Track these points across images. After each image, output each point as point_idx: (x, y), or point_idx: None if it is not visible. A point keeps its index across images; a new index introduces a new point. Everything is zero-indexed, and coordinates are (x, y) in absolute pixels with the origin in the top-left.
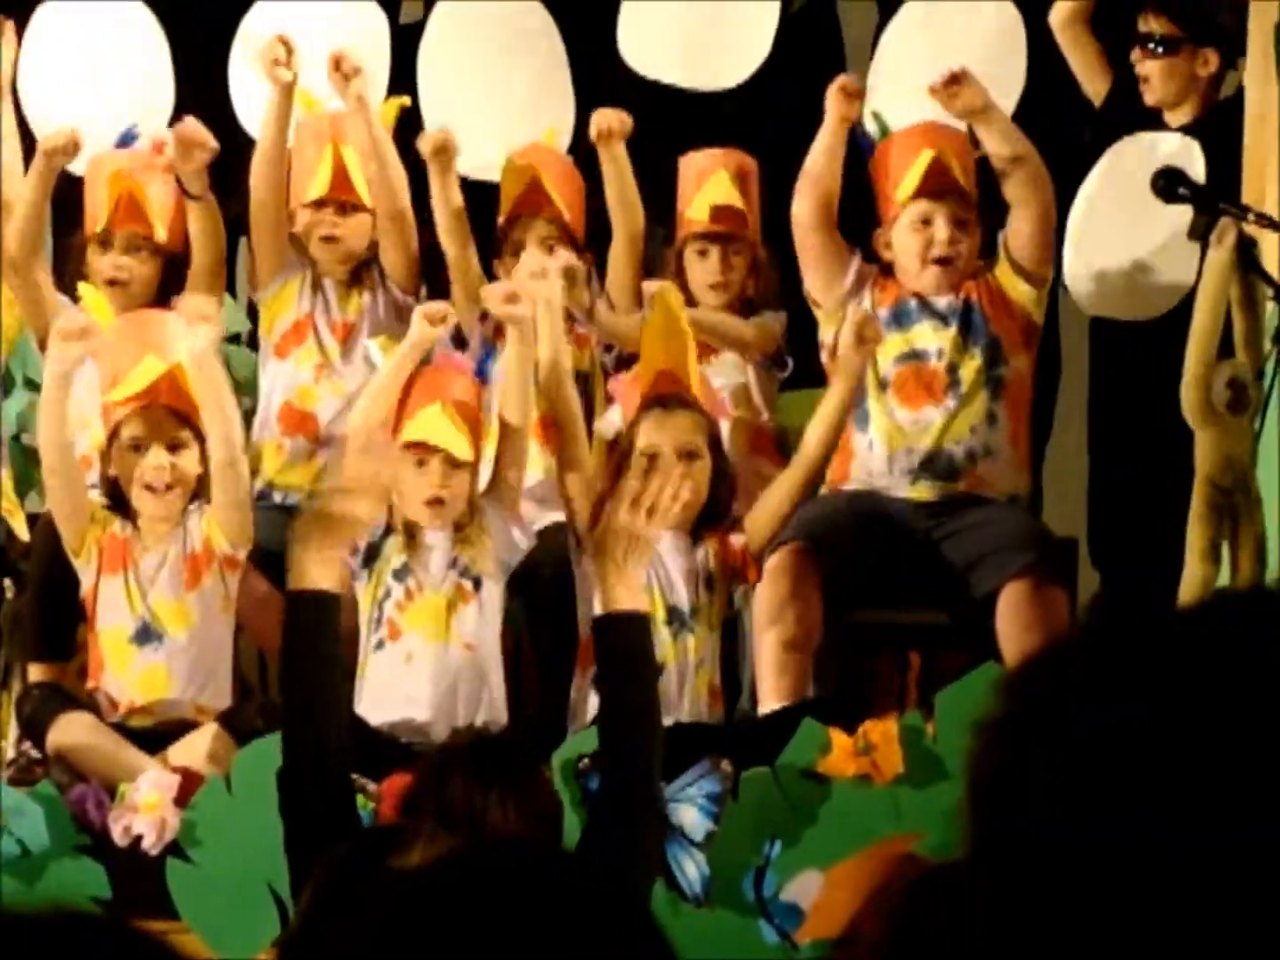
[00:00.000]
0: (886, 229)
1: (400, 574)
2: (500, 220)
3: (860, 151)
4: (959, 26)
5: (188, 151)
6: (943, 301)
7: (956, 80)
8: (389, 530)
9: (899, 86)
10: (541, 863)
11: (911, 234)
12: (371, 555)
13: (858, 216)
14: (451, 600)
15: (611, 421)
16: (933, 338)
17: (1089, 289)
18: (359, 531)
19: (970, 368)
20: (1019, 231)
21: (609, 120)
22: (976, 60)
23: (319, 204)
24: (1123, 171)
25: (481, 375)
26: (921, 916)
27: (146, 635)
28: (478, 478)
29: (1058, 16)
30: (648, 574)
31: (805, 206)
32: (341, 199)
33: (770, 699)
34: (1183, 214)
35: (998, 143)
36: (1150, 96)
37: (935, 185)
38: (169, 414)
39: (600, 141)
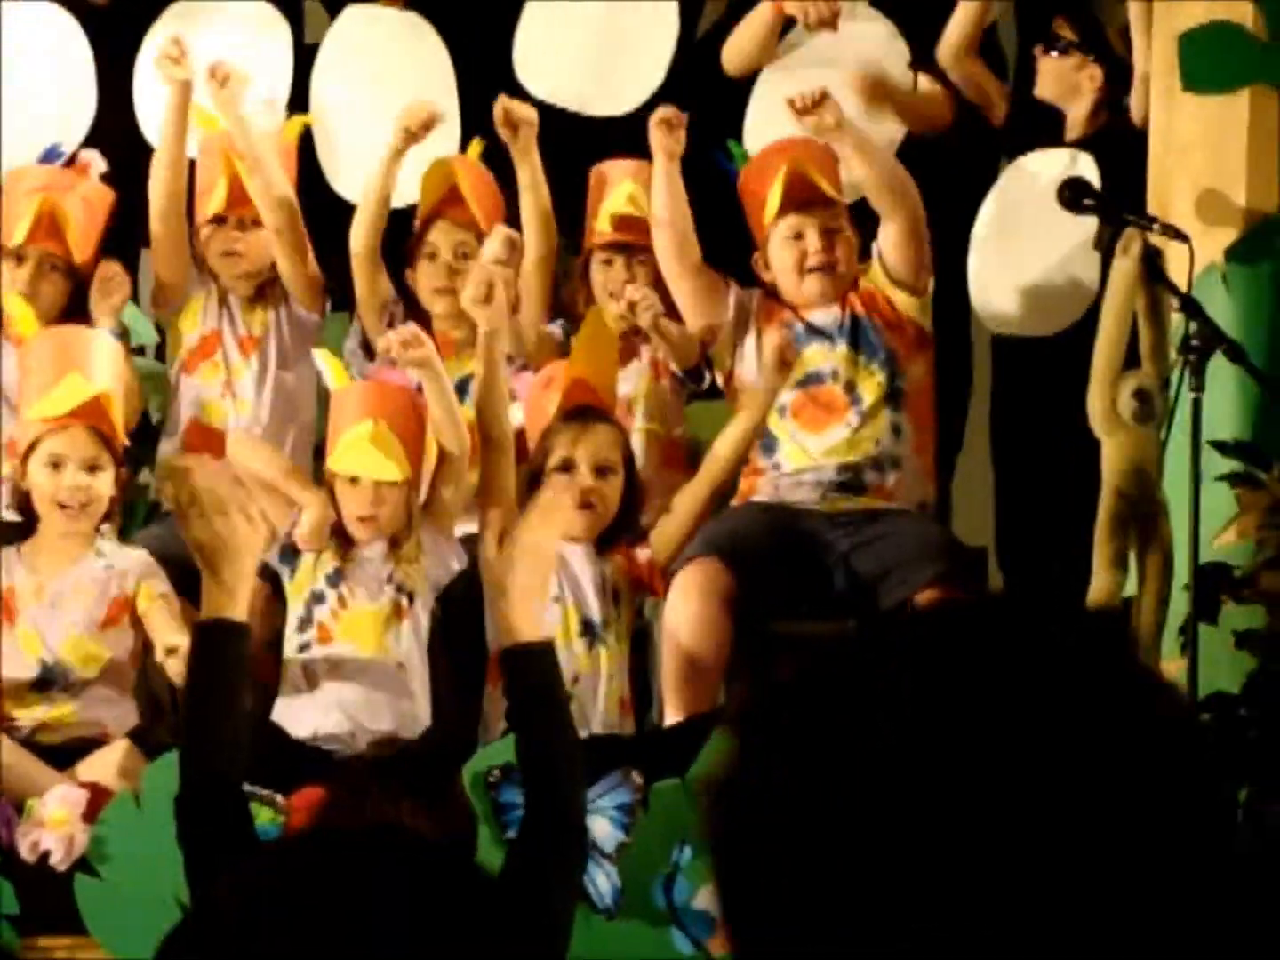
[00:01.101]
0: (763, 250)
1: (334, 579)
2: (416, 223)
3: (728, 179)
4: (839, 50)
5: (105, 289)
6: (828, 318)
7: (812, 101)
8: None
9: (777, 111)
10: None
11: (785, 249)
12: (296, 551)
13: (734, 244)
14: (388, 615)
15: (512, 417)
16: (824, 359)
17: (993, 308)
18: (233, 552)
19: (869, 383)
20: (889, 243)
21: (518, 111)
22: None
23: (219, 220)
24: (1021, 189)
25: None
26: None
27: (50, 680)
28: (416, 494)
29: (944, 54)
30: (561, 587)
31: (665, 254)
32: (240, 214)
33: (674, 713)
34: (1082, 227)
35: (855, 158)
36: (1039, 90)
37: (799, 197)
38: (89, 434)
39: (512, 139)
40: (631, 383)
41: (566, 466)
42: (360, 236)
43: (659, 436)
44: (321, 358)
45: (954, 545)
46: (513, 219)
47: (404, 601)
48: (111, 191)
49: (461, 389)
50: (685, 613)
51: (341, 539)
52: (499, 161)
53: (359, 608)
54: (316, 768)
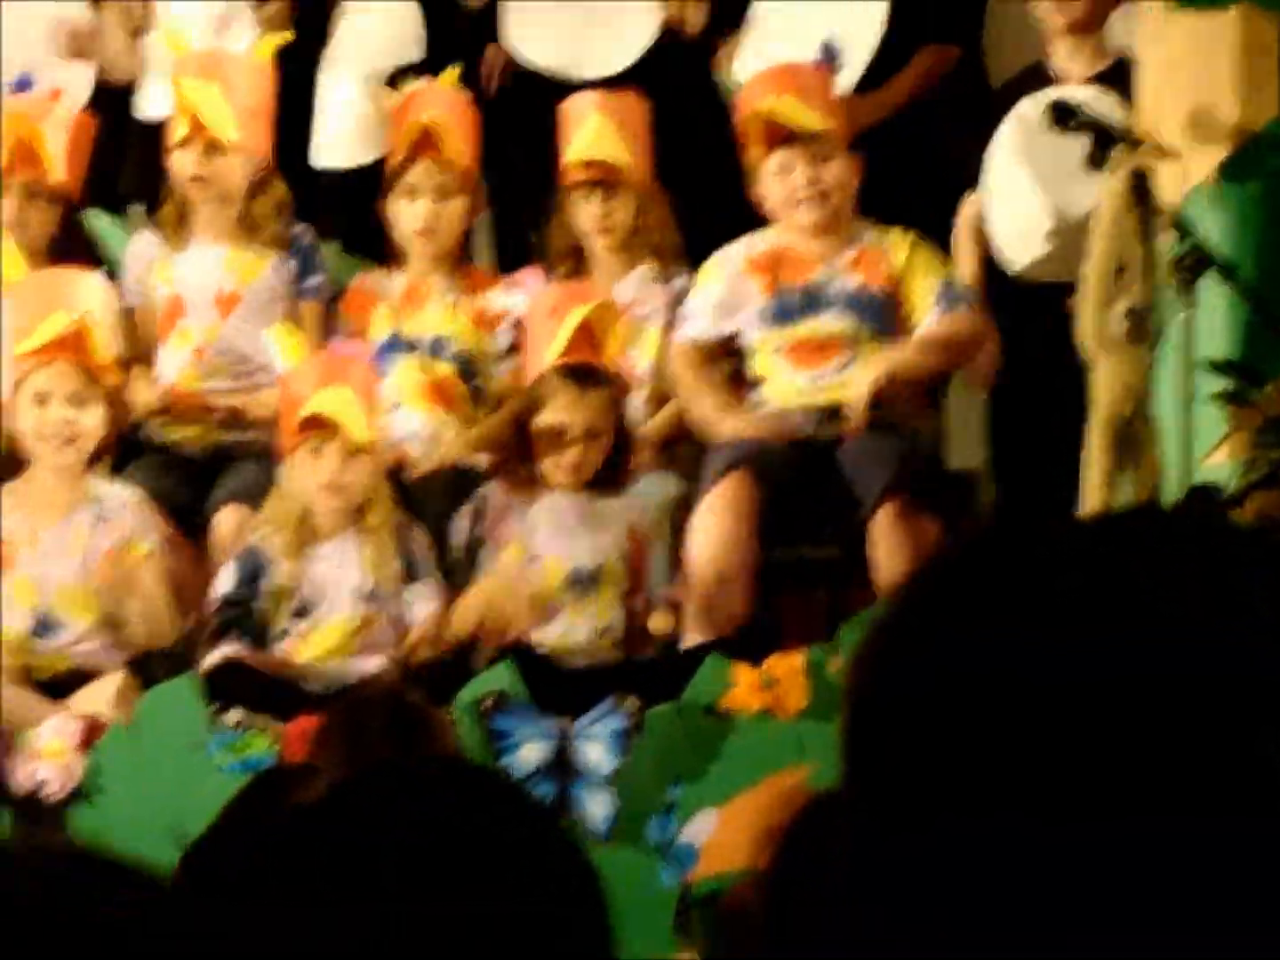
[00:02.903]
0: (757, 182)
1: (300, 614)
2: (394, 161)
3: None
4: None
5: None
6: (833, 282)
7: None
8: (258, 570)
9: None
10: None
11: (775, 184)
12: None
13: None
14: (357, 628)
15: (513, 303)
16: (821, 327)
17: (1024, 259)
18: None
19: (864, 340)
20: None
21: None
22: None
23: (185, 145)
24: (1033, 129)
25: (380, 365)
26: (802, 847)
27: (45, 628)
28: (380, 463)
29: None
30: (547, 540)
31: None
32: (204, 139)
33: (697, 635)
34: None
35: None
36: (1060, 21)
37: (781, 135)
38: (74, 369)
39: None
40: (634, 287)
41: (558, 430)
42: None
43: (662, 396)
44: (274, 335)
45: (911, 459)
46: (489, 145)
47: (374, 610)
48: (91, 117)
49: (435, 349)
50: (717, 531)
51: (297, 553)
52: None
53: (325, 628)
54: (306, 698)
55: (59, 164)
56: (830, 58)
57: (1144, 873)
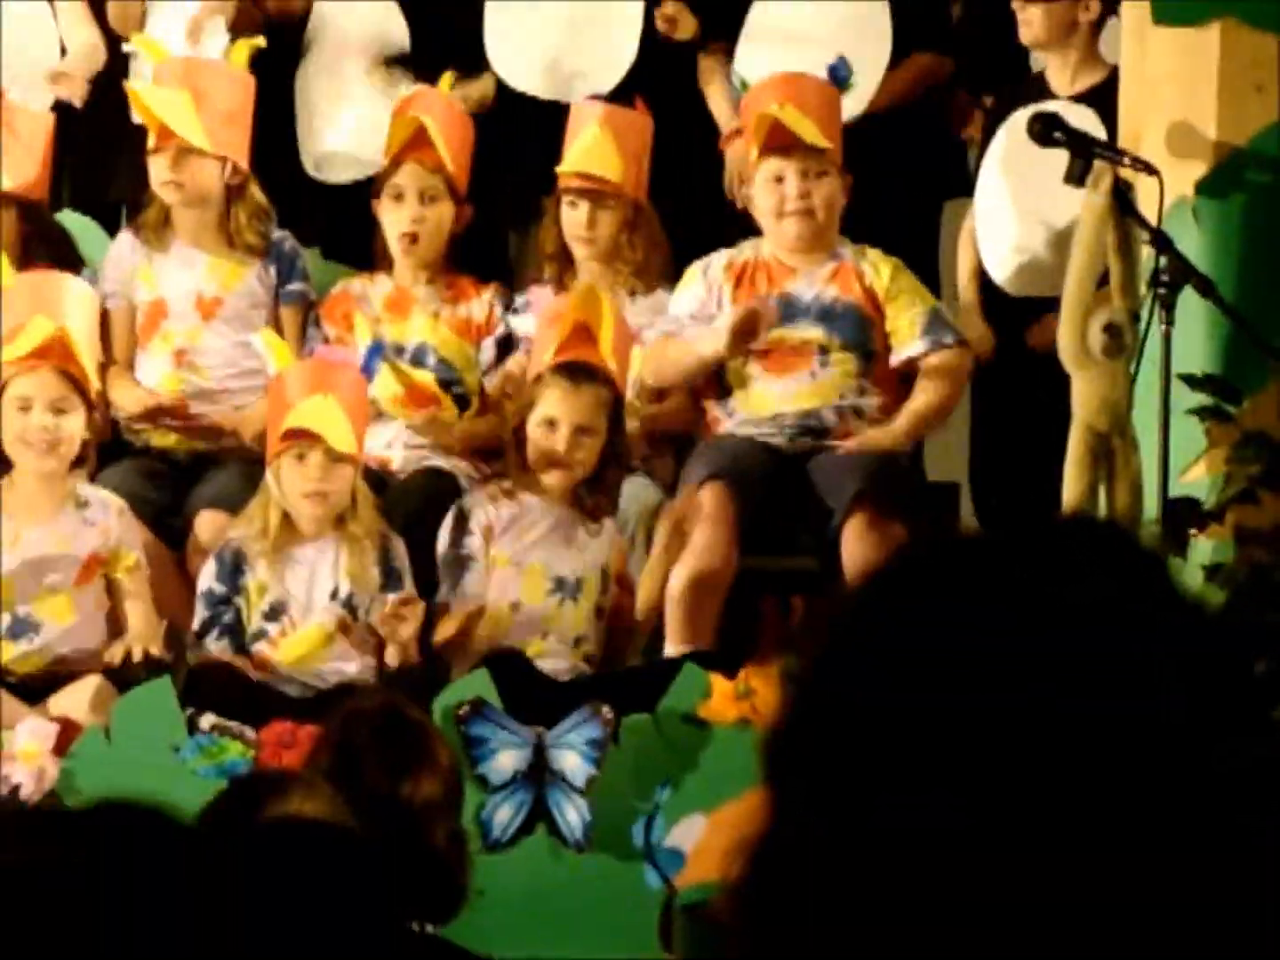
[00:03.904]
0: (748, 185)
1: (272, 614)
2: (384, 161)
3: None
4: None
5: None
6: (809, 291)
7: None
8: (238, 567)
9: (768, 46)
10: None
11: (764, 191)
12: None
13: None
14: (330, 633)
15: (524, 326)
16: (794, 334)
17: (1009, 271)
18: None
19: (838, 351)
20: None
21: None
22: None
23: (156, 151)
24: (1022, 143)
25: (367, 372)
26: (770, 856)
27: (23, 629)
28: (359, 472)
29: None
30: (531, 547)
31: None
32: (172, 145)
33: (675, 643)
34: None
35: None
36: (1027, 35)
37: (779, 142)
38: (57, 375)
39: None
40: (646, 312)
41: (550, 422)
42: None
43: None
44: (263, 339)
45: (882, 468)
46: (480, 151)
47: (349, 616)
48: (49, 115)
49: (418, 357)
50: (696, 541)
51: (276, 557)
52: None
53: (298, 633)
54: (280, 703)
55: (15, 168)
56: (839, 79)
57: (1107, 880)
